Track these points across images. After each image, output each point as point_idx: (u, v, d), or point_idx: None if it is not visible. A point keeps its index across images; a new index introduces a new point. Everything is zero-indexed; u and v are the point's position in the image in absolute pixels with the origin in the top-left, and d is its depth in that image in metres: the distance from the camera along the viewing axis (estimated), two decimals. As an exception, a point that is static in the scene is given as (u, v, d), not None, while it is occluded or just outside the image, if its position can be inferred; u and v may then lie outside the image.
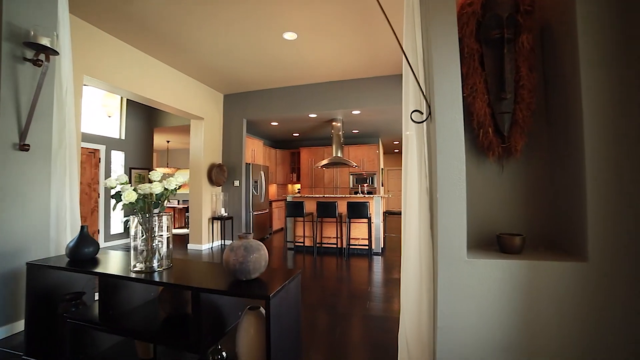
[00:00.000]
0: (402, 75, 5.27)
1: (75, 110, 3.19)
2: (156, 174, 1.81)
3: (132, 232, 1.72)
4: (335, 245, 5.35)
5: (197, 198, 5.63)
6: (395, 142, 9.63)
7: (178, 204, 9.28)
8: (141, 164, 6.79)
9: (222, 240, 6.04)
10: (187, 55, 4.33)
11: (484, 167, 1.43)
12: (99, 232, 5.78)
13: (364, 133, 7.98)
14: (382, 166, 9.34)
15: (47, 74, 2.28)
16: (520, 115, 1.31)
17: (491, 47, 1.34)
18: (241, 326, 1.50)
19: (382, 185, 9.67)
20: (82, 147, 5.49)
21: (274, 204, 7.57)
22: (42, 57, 2.25)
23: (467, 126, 1.37)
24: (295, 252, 5.36)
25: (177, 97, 4.86)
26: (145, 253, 1.75)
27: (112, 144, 6.08)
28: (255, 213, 6.31)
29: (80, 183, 5.22)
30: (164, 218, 1.79)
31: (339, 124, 6.31)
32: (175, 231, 8.16)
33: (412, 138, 1.54)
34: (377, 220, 5.17)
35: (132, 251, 1.71)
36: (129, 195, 1.56)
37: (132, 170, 6.57)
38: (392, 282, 3.70)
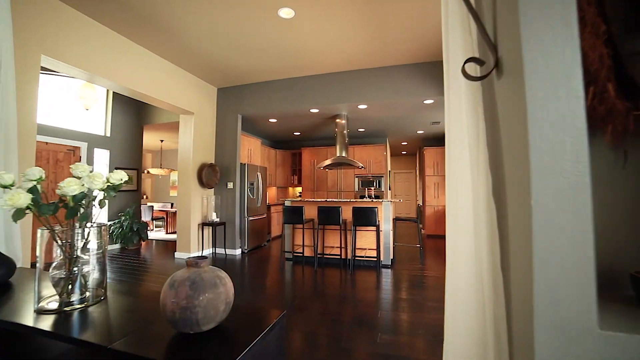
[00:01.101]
0: (416, 65, 4.42)
1: (27, 96, 2.68)
2: (80, 167, 1.24)
3: (37, 253, 1.17)
4: (338, 256, 4.75)
5: (185, 201, 5.07)
6: (403, 143, 9.02)
7: (171, 208, 8.75)
8: (129, 164, 6.28)
9: (213, 249, 5.47)
10: (172, 39, 3.80)
11: (591, 153, 0.85)
12: (78, 238, 5.24)
13: (371, 132, 7.39)
14: (389, 168, 8.72)
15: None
16: (671, 59, 0.73)
17: (612, -56, 0.77)
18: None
19: (390, 189, 9.05)
20: (60, 144, 4.99)
21: (272, 208, 7.00)
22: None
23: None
24: (294, 264, 4.77)
25: (161, 88, 4.33)
26: (62, 283, 1.20)
27: (95, 141, 5.58)
28: (250, 218, 5.74)
29: (54, 184, 4.71)
30: (92, 231, 1.23)
31: (343, 121, 5.74)
32: (167, 236, 7.61)
33: (457, 107, 0.95)
34: (387, 227, 4.56)
35: (36, 282, 1.15)
36: (14, 198, 0.99)
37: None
38: (406, 303, 3.09)
